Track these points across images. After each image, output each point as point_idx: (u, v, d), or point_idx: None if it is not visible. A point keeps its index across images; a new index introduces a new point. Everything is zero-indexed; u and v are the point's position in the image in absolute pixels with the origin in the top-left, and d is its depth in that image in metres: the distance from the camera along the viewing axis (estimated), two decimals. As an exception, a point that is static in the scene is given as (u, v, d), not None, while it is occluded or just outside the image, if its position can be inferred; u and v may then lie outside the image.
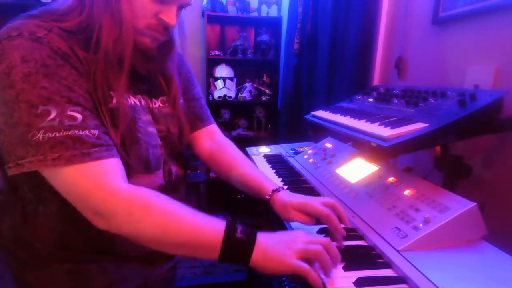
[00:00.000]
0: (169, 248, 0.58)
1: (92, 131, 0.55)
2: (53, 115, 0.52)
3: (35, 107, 0.51)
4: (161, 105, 0.75)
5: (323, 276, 0.57)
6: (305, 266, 0.55)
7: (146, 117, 0.70)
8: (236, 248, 0.55)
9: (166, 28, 0.65)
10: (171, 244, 0.56)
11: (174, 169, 0.78)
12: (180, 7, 0.65)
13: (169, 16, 0.63)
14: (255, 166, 0.86)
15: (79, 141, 0.53)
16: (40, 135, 0.51)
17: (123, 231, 0.56)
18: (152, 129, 0.71)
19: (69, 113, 0.53)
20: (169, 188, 0.74)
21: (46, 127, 0.51)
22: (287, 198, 0.72)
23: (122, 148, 0.63)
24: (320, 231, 0.74)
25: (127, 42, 0.60)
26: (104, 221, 0.54)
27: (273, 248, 0.56)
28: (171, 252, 0.61)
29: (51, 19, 0.58)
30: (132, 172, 0.65)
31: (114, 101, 0.62)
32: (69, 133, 0.52)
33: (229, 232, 0.56)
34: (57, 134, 0.52)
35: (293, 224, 0.77)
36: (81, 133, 0.53)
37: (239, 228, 0.57)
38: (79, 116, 0.54)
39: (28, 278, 0.69)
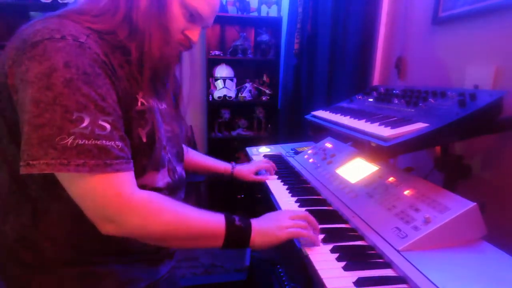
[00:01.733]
0: (177, 242, 0.66)
1: (117, 142, 0.57)
2: (86, 123, 0.53)
3: (70, 113, 0.52)
4: (166, 107, 0.78)
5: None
6: (296, 229, 0.69)
7: (160, 118, 0.73)
8: (237, 234, 0.66)
9: (190, 44, 0.72)
10: (181, 238, 0.64)
11: (178, 169, 0.81)
12: (203, 28, 0.73)
13: (194, 34, 0.71)
14: (205, 155, 1.18)
15: (105, 151, 0.55)
16: (70, 140, 0.52)
17: (135, 233, 0.60)
18: (163, 130, 0.74)
19: (100, 122, 0.55)
20: (174, 187, 0.77)
21: (78, 133, 0.52)
22: (245, 167, 1.16)
23: (146, 147, 0.67)
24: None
25: (174, 52, 0.69)
26: (115, 225, 0.57)
27: (266, 228, 0.69)
28: (178, 246, 0.70)
29: (84, 20, 0.59)
30: (147, 169, 0.69)
31: (139, 103, 0.66)
32: (98, 142, 0.54)
33: (229, 222, 0.66)
34: (86, 142, 0.53)
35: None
36: (107, 143, 0.55)
37: (237, 218, 0.68)
38: (108, 127, 0.56)
39: (34, 283, 0.67)
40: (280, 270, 1.30)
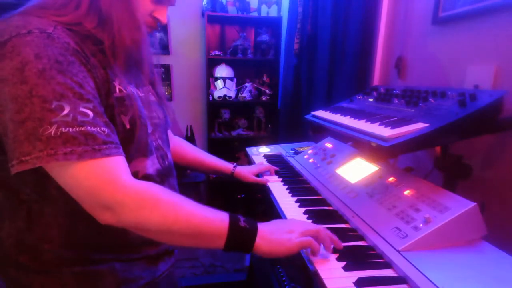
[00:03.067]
0: (176, 238, 0.61)
1: (102, 128, 0.56)
2: (66, 110, 0.53)
3: (49, 102, 0.52)
4: (145, 94, 0.77)
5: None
6: (307, 238, 0.64)
7: (141, 105, 0.72)
8: (241, 236, 0.61)
9: (157, 25, 0.73)
10: (179, 234, 0.59)
11: (168, 155, 0.81)
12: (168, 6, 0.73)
13: (162, 15, 0.72)
14: (208, 153, 1.16)
15: (91, 137, 0.54)
16: (53, 129, 0.51)
17: (132, 223, 0.57)
18: (146, 116, 0.73)
19: (81, 109, 0.54)
20: (165, 173, 0.77)
21: (60, 122, 0.52)
22: (246, 169, 1.17)
23: (130, 134, 0.66)
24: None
25: (144, 36, 0.68)
26: (112, 213, 0.55)
27: (273, 234, 0.64)
28: (177, 242, 0.64)
29: (49, 14, 0.59)
30: (134, 156, 0.68)
31: (117, 90, 0.65)
32: (82, 129, 0.53)
33: (233, 221, 0.62)
34: (71, 130, 0.52)
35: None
36: (93, 129, 0.54)
37: (242, 218, 0.63)
38: (90, 113, 0.55)
39: (35, 285, 0.66)
40: (280, 270, 1.30)
